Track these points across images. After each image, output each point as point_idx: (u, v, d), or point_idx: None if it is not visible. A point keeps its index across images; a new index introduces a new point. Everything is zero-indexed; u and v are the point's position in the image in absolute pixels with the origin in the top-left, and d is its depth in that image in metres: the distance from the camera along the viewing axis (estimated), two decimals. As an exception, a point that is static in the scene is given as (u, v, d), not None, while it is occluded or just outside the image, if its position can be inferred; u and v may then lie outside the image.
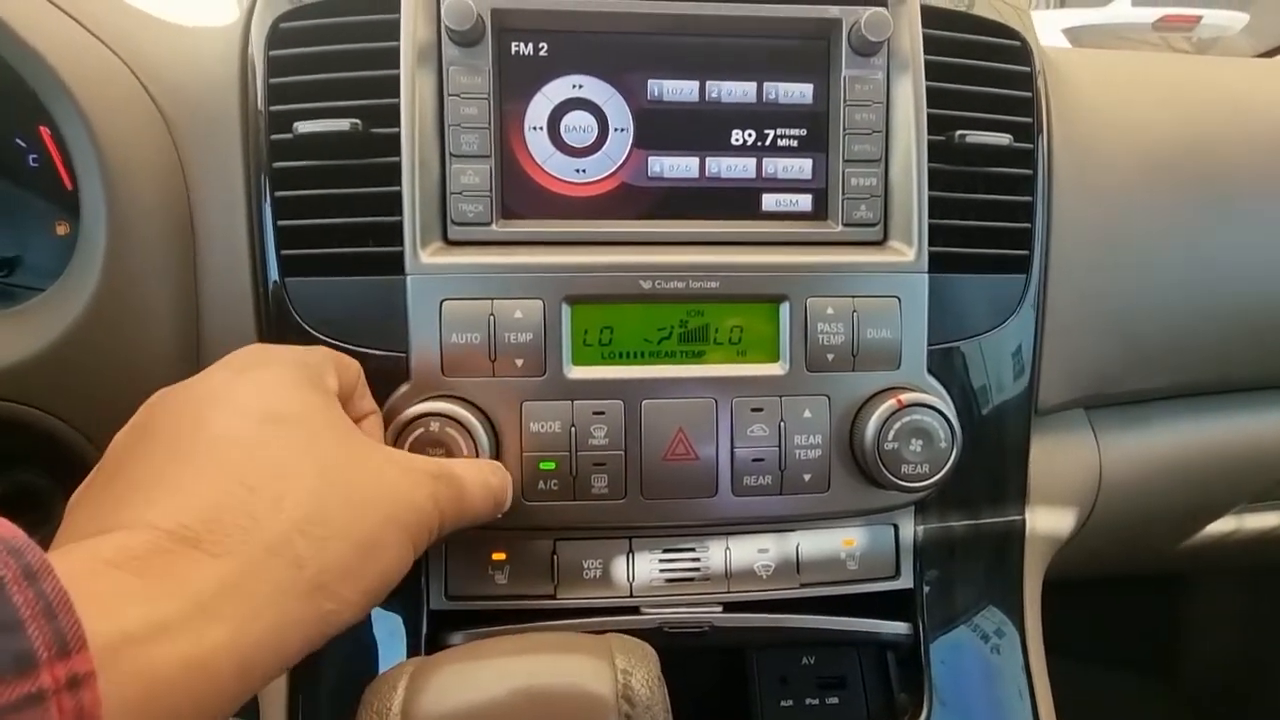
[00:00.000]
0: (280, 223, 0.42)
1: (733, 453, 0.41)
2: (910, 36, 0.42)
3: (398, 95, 0.40)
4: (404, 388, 0.40)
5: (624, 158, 0.43)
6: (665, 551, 0.43)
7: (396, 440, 0.37)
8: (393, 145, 0.41)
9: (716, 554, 0.44)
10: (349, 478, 0.28)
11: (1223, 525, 0.68)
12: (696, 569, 0.44)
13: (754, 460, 0.41)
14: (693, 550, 0.44)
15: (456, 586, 0.43)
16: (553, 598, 0.42)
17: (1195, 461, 0.57)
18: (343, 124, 0.40)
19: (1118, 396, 0.53)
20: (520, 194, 0.43)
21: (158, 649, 0.20)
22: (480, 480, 0.35)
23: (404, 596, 0.42)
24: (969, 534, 0.46)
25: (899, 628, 0.45)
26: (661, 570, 0.43)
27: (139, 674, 0.20)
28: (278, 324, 0.42)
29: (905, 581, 0.45)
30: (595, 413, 0.40)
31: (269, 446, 0.27)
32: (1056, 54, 0.52)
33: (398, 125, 0.40)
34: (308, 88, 0.42)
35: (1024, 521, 0.47)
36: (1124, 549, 0.67)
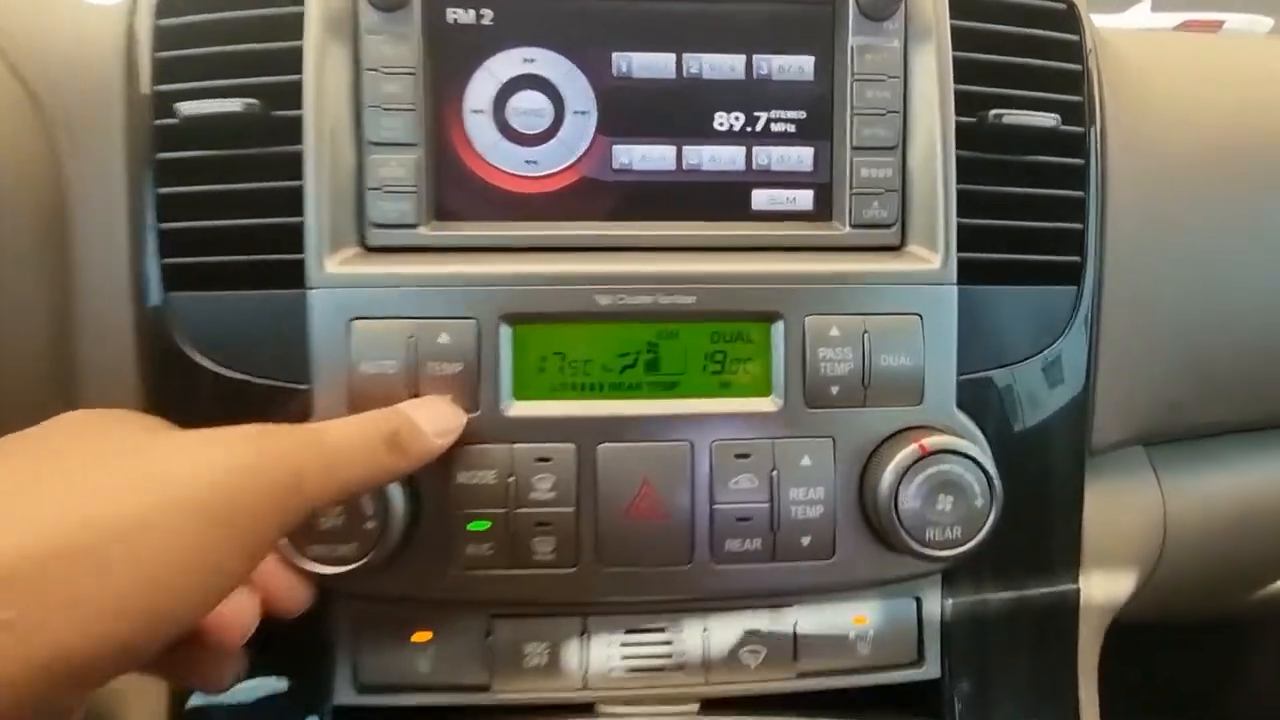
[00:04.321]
0: (164, 226, 0.35)
1: (712, 510, 0.33)
2: (933, -4, 0.35)
3: (300, 71, 0.33)
4: (304, 427, 0.33)
5: (585, 147, 0.36)
6: (628, 633, 0.35)
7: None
8: (296, 131, 0.33)
9: (692, 636, 0.35)
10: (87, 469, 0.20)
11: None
12: (667, 656, 0.35)
13: (739, 520, 0.33)
14: (663, 631, 0.35)
15: (370, 674, 0.35)
16: (487, 689, 0.34)
17: (1275, 506, 0.49)
18: (234, 104, 0.33)
19: (1185, 431, 0.45)
20: (458, 191, 0.35)
21: None
22: (358, 434, 0.26)
23: (303, 686, 0.34)
24: (1010, 609, 0.38)
25: (924, 728, 0.37)
26: (624, 657, 0.35)
27: None
28: (157, 348, 0.34)
29: (931, 670, 0.37)
30: (539, 459, 0.32)
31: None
32: (1105, 31, 0.44)
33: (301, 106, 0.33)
34: (200, 63, 0.35)
35: (1078, 592, 0.39)
36: (1188, 601, 0.58)
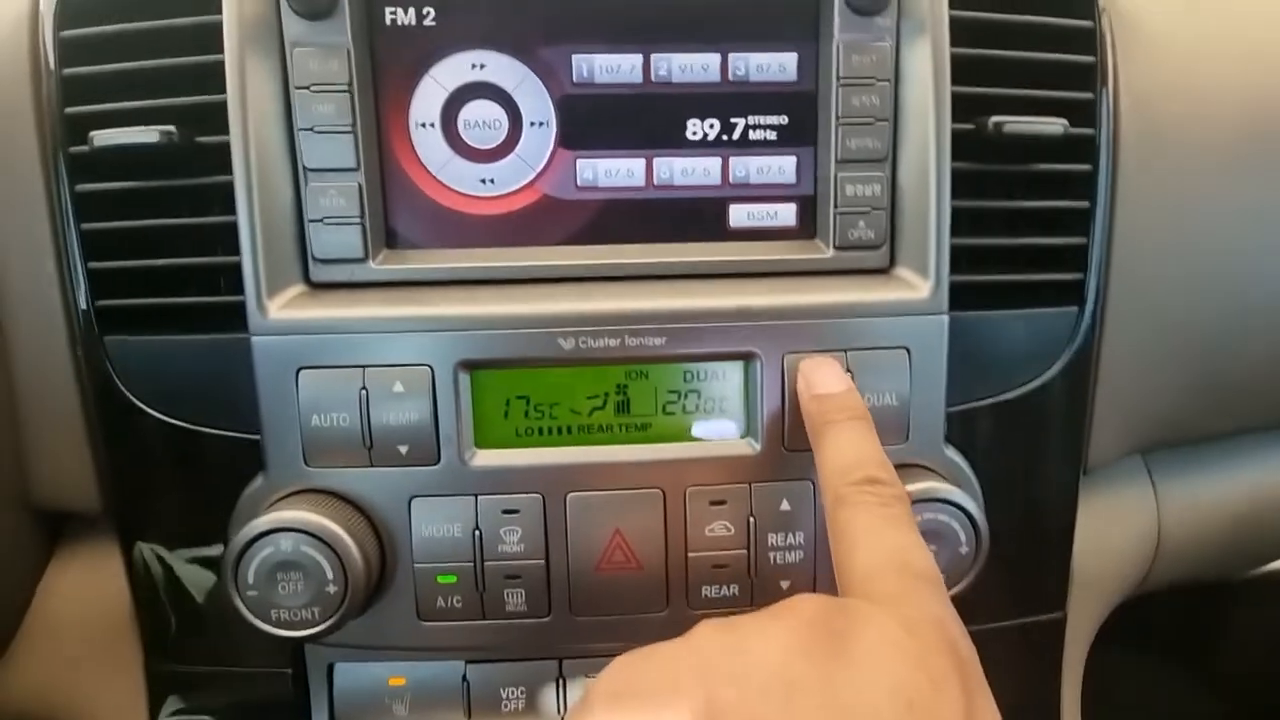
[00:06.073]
0: (92, 265, 0.32)
1: (686, 559, 0.32)
2: (930, -15, 0.31)
3: (225, 90, 0.30)
4: (258, 481, 0.31)
5: (544, 162, 0.33)
6: (605, 675, 0.35)
7: (236, 569, 0.28)
8: (226, 158, 0.30)
9: (670, 677, 0.35)
10: None
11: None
12: (645, 696, 0.35)
13: (715, 567, 0.32)
14: (640, 672, 0.35)
15: (345, 717, 0.35)
16: (465, 733, 0.34)
17: (1271, 507, 0.47)
18: (151, 134, 0.30)
19: (1189, 439, 0.43)
20: (409, 215, 0.32)
21: None
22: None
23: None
24: (992, 639, 0.37)
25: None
26: (600, 698, 0.35)
27: None
28: (98, 397, 0.33)
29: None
30: (506, 511, 0.31)
31: None
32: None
33: (228, 131, 0.30)
34: (110, 81, 0.31)
35: (1064, 618, 0.38)
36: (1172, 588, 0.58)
